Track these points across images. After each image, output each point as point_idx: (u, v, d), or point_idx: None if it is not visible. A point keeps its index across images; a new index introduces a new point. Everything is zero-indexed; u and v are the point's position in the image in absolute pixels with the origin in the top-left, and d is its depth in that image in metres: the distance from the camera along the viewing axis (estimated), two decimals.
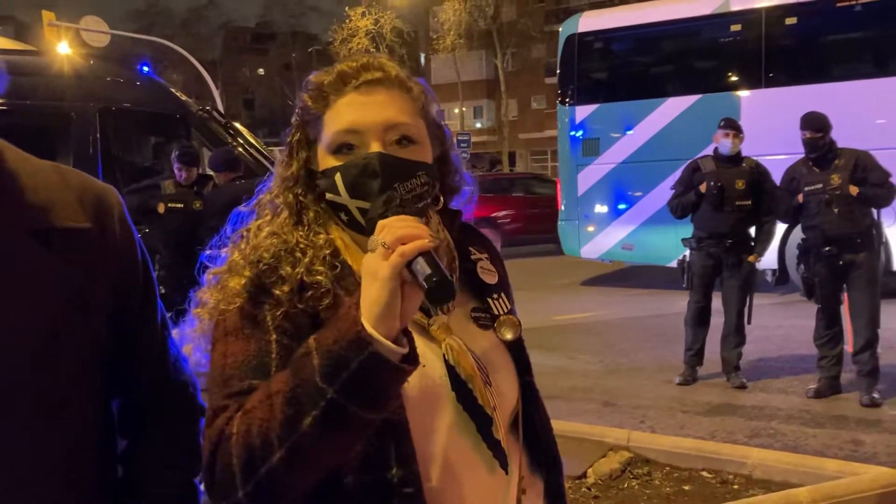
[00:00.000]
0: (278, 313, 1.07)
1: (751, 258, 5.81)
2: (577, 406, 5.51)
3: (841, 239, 5.26)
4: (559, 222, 11.26)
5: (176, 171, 5.85)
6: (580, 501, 3.94)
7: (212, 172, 6.35)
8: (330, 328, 0.98)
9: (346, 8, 38.04)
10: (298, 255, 1.11)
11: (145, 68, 7.27)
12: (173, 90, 7.07)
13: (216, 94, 19.45)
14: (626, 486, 4.14)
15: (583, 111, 10.91)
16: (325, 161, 1.15)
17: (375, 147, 1.11)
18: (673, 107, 10.17)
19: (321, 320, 1.07)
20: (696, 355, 6.05)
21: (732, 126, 5.88)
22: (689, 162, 6.15)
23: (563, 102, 11.19)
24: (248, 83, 55.87)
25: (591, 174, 10.81)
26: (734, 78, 10.27)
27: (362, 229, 1.12)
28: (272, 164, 6.64)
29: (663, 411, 5.41)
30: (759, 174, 5.85)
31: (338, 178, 1.12)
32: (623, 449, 4.42)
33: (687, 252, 6.10)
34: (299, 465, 0.96)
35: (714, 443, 4.59)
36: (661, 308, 8.90)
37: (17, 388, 1.00)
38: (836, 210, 5.23)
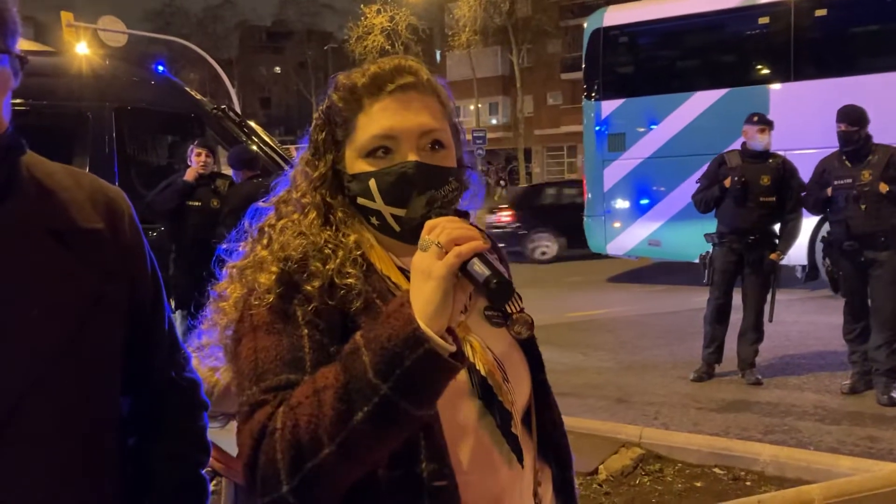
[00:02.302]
0: (309, 308, 1.07)
1: (773, 255, 5.73)
2: (589, 403, 5.51)
3: (865, 236, 5.19)
4: (585, 218, 11.15)
5: (194, 160, 5.83)
6: (591, 498, 3.94)
7: (229, 171, 6.39)
8: (381, 325, 0.98)
9: (362, 5, 38.08)
10: (328, 252, 1.12)
11: (160, 68, 7.30)
12: (188, 89, 7.11)
13: (232, 92, 19.58)
14: (637, 482, 4.13)
15: (608, 106, 10.81)
16: (356, 164, 1.16)
17: (411, 153, 1.12)
18: (700, 101, 10.03)
19: (352, 319, 1.09)
20: (714, 352, 6.01)
21: (765, 122, 5.79)
22: (715, 156, 6.08)
23: (588, 97, 11.10)
24: (265, 82, 56.08)
25: (617, 170, 10.71)
26: (763, 71, 10.12)
27: (395, 234, 1.15)
28: (287, 162, 6.71)
29: (677, 408, 5.40)
30: (785, 171, 5.76)
31: (372, 183, 1.13)
32: (635, 445, 4.42)
33: (710, 248, 6.05)
34: (347, 459, 0.97)
35: (726, 439, 4.57)
36: (676, 305, 8.87)
37: (38, 388, 1.02)
38: (863, 206, 5.15)
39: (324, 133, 1.18)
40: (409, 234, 1.12)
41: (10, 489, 1.00)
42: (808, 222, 6.00)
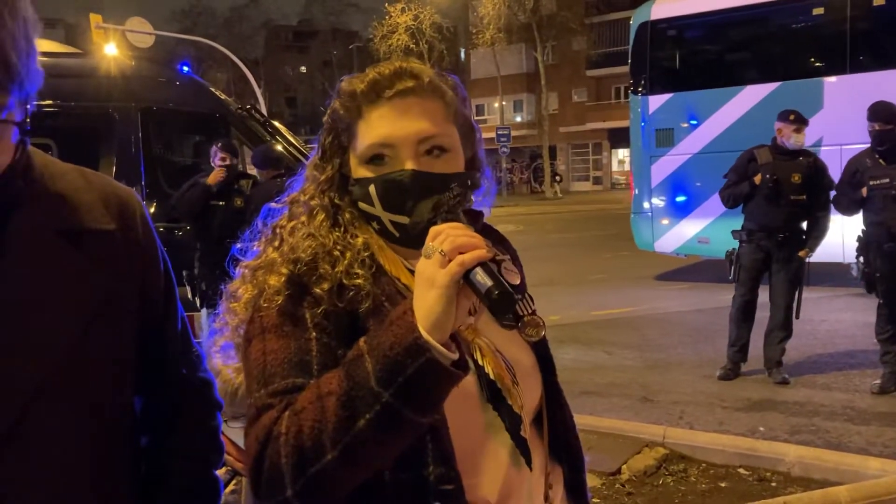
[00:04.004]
0: (318, 311, 1.08)
1: (802, 253, 5.64)
2: (613, 402, 5.46)
3: None
4: (631, 215, 10.97)
5: (217, 163, 5.88)
6: (614, 497, 3.91)
7: (253, 170, 6.44)
8: (384, 332, 0.98)
9: (386, 4, 38.17)
10: (337, 254, 1.12)
11: (185, 68, 7.37)
12: (213, 89, 7.17)
13: (258, 92, 19.72)
14: (660, 482, 4.09)
15: (656, 101, 10.62)
16: (358, 170, 1.16)
17: (409, 161, 1.12)
18: (751, 95, 9.76)
19: (361, 320, 1.09)
20: (739, 351, 5.94)
21: (802, 120, 5.67)
22: (743, 151, 5.97)
23: (635, 92, 10.91)
24: (290, 81, 56.44)
25: (664, 166, 10.50)
26: (817, 64, 9.83)
27: (394, 239, 1.16)
28: None
29: (702, 407, 5.34)
30: (816, 169, 5.66)
31: (371, 189, 1.14)
32: (659, 445, 4.38)
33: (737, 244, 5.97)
34: (350, 464, 0.98)
35: (751, 439, 4.51)
36: (701, 303, 8.78)
37: (50, 388, 1.02)
38: None
39: (330, 137, 1.19)
40: (410, 240, 1.12)
41: (23, 491, 1.00)
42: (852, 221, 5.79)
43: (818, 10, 9.70)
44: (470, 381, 1.09)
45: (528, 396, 1.18)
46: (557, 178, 39.94)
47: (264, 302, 1.10)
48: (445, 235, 0.99)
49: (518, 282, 1.25)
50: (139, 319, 1.15)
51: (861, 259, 5.40)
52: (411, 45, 38.98)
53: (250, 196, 5.87)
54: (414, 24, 38.59)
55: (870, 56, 9.36)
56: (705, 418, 5.10)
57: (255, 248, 1.20)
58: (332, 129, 1.19)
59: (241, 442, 2.09)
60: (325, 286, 1.09)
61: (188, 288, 5.74)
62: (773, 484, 4.00)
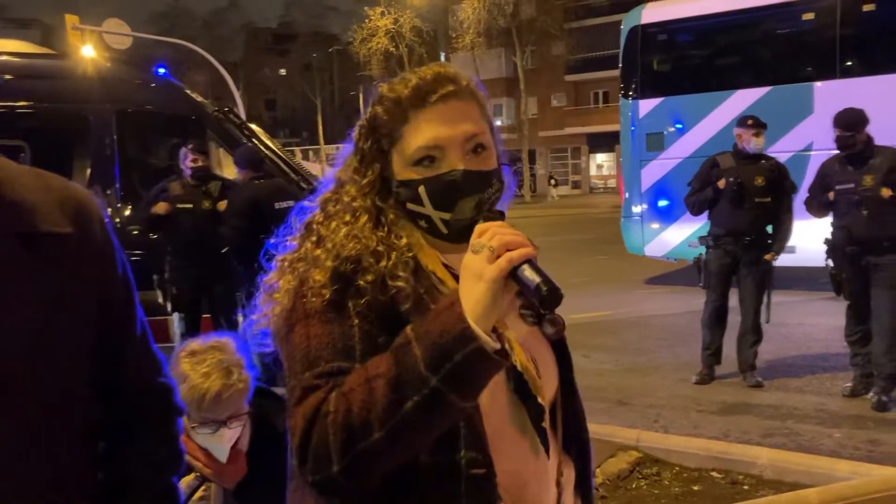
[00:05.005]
0: (361, 301, 1.14)
1: (768, 256, 5.73)
2: (589, 405, 5.35)
3: (867, 241, 5.15)
4: (622, 220, 10.97)
5: (188, 165, 5.80)
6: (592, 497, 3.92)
7: (223, 175, 6.39)
8: (432, 321, 1.04)
9: (366, 7, 38.13)
10: (382, 250, 1.18)
11: (161, 70, 7.30)
12: (189, 91, 7.10)
13: (237, 95, 19.58)
14: (634, 486, 4.12)
15: (646, 105, 10.61)
16: (404, 172, 1.22)
17: (457, 161, 1.19)
18: (741, 99, 9.74)
19: (401, 314, 1.15)
20: (713, 354, 6.00)
21: (760, 125, 5.78)
22: (706, 158, 6.06)
23: (625, 96, 10.88)
24: (270, 84, 56.12)
25: (655, 170, 10.49)
26: (807, 69, 9.86)
27: (443, 236, 1.22)
28: (288, 165, 6.71)
29: (677, 410, 5.38)
30: (778, 171, 5.78)
31: (422, 190, 1.20)
32: (632, 449, 4.40)
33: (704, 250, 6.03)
34: (395, 444, 1.04)
35: (724, 443, 4.55)
36: (679, 306, 8.84)
37: (5, 390, 1.01)
38: (864, 212, 5.12)
39: (370, 142, 1.24)
40: (457, 235, 1.19)
41: None
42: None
43: (808, 16, 9.76)
44: (500, 373, 1.15)
45: (546, 390, 1.25)
46: (553, 181, 39.89)
47: (312, 295, 1.15)
48: (493, 233, 1.05)
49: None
50: (97, 323, 1.13)
51: (830, 262, 5.47)
52: (391, 49, 38.98)
53: (230, 198, 5.80)
54: (394, 28, 38.58)
55: (859, 61, 9.44)
56: (680, 422, 5.13)
57: (289, 243, 1.26)
58: (373, 134, 1.24)
59: (210, 447, 2.07)
60: (370, 278, 1.15)
61: (159, 292, 5.66)
62: (746, 487, 4.03)
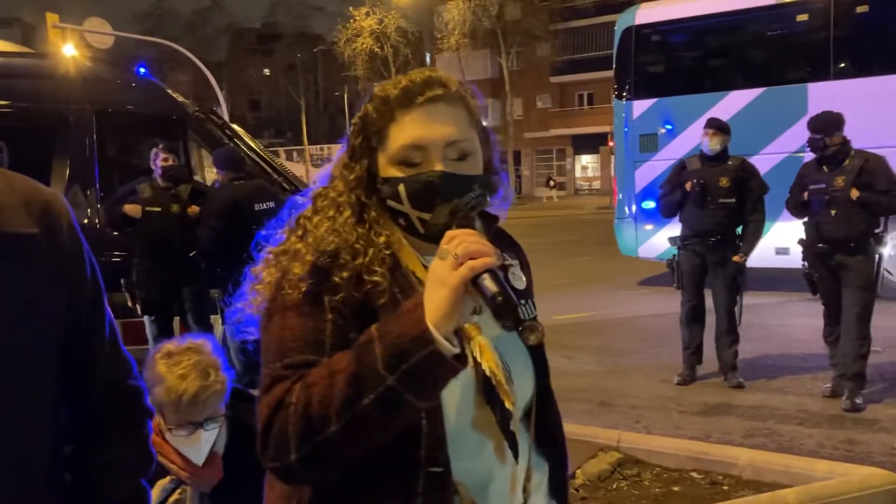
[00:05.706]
0: (336, 297, 1.17)
1: (736, 258, 5.76)
2: (572, 406, 5.49)
3: (835, 240, 5.23)
4: (615, 221, 10.97)
5: (158, 164, 5.73)
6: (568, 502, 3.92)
7: (197, 177, 6.33)
8: (394, 322, 1.08)
9: (350, 8, 38.06)
10: (359, 247, 1.21)
11: (142, 70, 7.24)
12: (170, 91, 7.05)
13: (220, 95, 19.48)
14: (614, 486, 4.12)
15: (640, 106, 10.61)
16: (388, 170, 1.25)
17: (437, 163, 1.21)
18: (735, 100, 9.77)
19: (375, 310, 1.18)
20: (694, 353, 6.04)
21: (715, 126, 5.86)
22: (676, 161, 6.13)
23: (619, 97, 10.88)
24: (254, 84, 55.87)
25: (649, 171, 10.42)
26: (801, 70, 9.91)
27: (420, 235, 1.25)
28: (270, 165, 6.68)
29: (659, 411, 5.40)
30: (744, 172, 5.82)
31: (401, 188, 1.22)
32: (613, 449, 4.41)
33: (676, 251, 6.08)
34: (351, 438, 1.07)
35: (704, 443, 4.57)
36: (661, 307, 8.87)
37: None
38: (833, 211, 5.20)
39: (360, 139, 1.27)
40: (432, 237, 1.20)
41: None
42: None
43: (802, 17, 9.79)
44: (468, 374, 1.17)
45: (520, 394, 1.27)
46: (551, 182, 39.73)
47: (289, 287, 1.18)
48: (460, 241, 1.08)
49: (524, 287, 1.36)
50: (63, 325, 1.12)
51: (805, 262, 5.52)
52: (376, 49, 38.92)
53: (208, 199, 5.76)
54: (379, 28, 38.53)
55: (853, 63, 9.48)
56: (662, 422, 5.15)
57: (279, 235, 1.29)
58: (363, 131, 1.27)
59: (186, 451, 2.06)
60: (345, 275, 1.18)
61: (127, 295, 5.59)
62: (725, 487, 4.05)
